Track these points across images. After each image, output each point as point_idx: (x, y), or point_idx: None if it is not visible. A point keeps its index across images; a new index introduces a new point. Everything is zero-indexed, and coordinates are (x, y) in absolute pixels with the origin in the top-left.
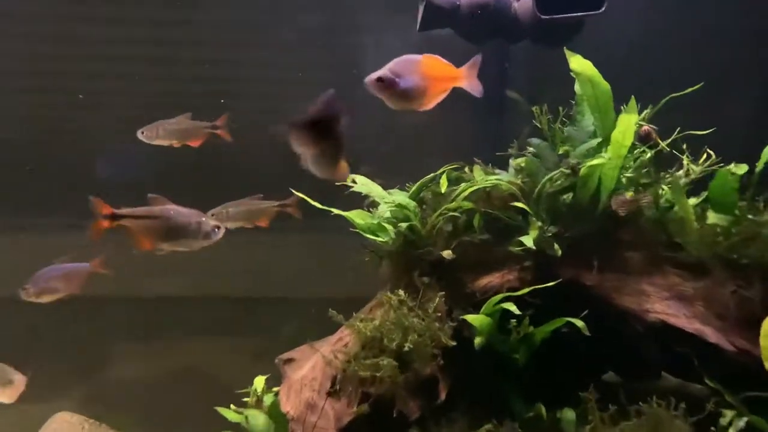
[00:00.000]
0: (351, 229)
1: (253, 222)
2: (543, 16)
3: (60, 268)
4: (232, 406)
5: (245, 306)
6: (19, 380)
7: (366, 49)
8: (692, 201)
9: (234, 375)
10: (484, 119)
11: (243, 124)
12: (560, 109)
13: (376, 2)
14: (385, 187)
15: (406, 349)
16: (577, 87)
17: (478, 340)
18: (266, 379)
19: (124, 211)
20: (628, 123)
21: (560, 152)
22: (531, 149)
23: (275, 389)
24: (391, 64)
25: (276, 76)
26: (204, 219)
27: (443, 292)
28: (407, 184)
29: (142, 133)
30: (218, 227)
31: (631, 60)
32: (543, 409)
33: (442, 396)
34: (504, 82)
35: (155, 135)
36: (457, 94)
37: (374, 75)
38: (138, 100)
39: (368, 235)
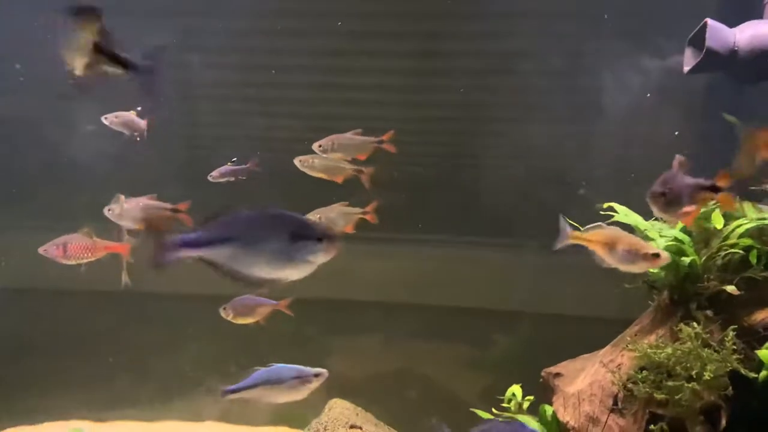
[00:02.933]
0: None
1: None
2: None
3: (254, 299)
4: (493, 410)
5: (465, 316)
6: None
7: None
8: None
9: (448, 378)
10: (714, 147)
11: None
12: None
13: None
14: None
15: (706, 377)
16: None
17: (764, 374)
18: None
19: None
20: None
21: None
22: None
23: (530, 398)
24: None
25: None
26: None
27: (735, 326)
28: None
29: (319, 146)
30: None
31: None
32: None
33: (724, 423)
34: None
35: (330, 148)
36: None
37: None
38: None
39: None
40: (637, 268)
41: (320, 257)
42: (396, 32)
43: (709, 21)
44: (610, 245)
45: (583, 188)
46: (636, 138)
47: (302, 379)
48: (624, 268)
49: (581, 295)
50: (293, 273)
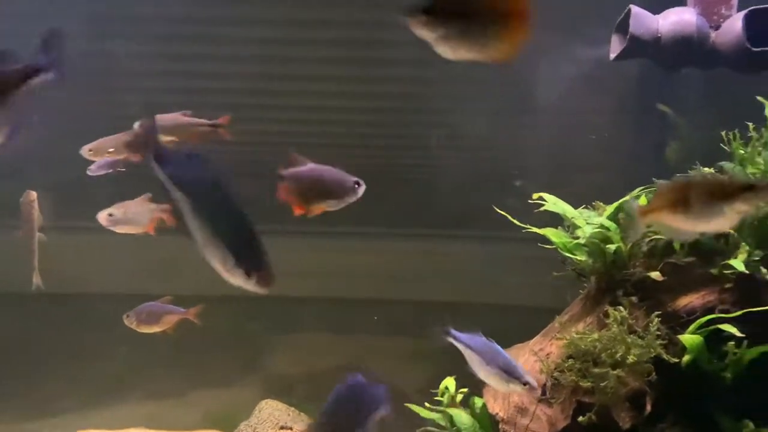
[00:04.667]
0: (540, 245)
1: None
2: (755, 49)
3: (161, 306)
4: (426, 404)
5: (410, 309)
6: None
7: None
8: None
9: (388, 372)
10: (645, 136)
11: None
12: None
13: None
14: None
15: (629, 361)
16: None
17: (686, 358)
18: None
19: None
20: None
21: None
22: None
23: (463, 390)
24: None
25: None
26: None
27: (659, 312)
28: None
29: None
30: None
31: None
32: (751, 425)
33: (649, 408)
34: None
35: None
36: (619, 110)
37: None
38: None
39: (565, 253)
40: (727, 219)
41: (249, 287)
42: (338, 21)
43: (633, 7)
44: (682, 203)
45: (519, 179)
46: (571, 128)
47: (509, 375)
48: (709, 227)
49: (521, 285)
50: (224, 275)
